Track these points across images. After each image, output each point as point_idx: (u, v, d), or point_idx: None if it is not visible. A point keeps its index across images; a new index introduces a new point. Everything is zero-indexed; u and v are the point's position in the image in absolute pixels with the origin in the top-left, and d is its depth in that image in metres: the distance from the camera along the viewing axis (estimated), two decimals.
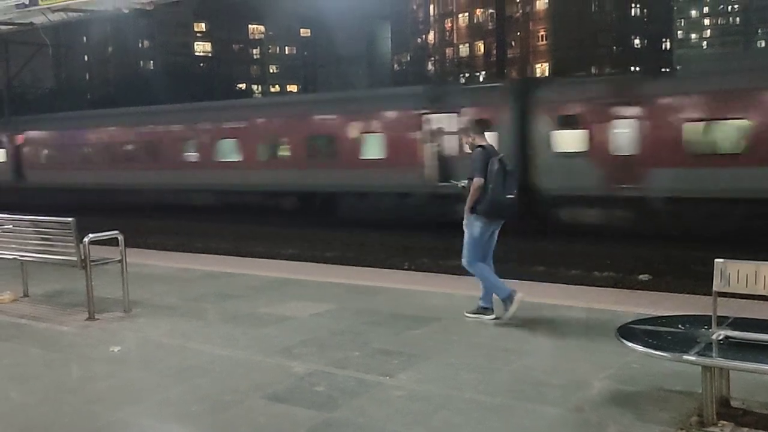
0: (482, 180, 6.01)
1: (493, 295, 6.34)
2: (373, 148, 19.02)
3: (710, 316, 4.16)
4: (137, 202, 24.32)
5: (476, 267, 6.26)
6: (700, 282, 10.47)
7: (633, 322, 4.45)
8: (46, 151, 28.68)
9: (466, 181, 6.20)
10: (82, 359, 5.65)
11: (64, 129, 28.26)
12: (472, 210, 6.13)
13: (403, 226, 18.62)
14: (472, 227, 6.19)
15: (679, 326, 4.25)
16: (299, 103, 25.27)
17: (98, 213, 22.19)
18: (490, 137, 6.71)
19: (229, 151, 22.59)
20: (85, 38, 76.25)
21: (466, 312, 6.45)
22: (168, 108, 28.09)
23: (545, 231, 16.06)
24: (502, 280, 6.39)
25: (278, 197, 21.65)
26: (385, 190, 18.68)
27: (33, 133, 28.88)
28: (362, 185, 19.14)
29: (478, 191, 6.04)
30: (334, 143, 20.08)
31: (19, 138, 28.91)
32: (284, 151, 21.77)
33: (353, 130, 19.70)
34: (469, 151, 6.31)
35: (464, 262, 6.29)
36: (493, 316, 6.32)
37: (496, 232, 6.32)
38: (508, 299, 6.21)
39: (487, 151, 6.14)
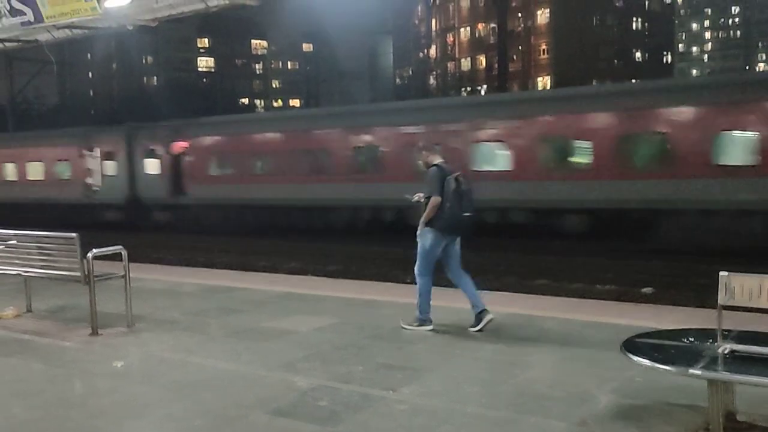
0: (440, 199, 6.28)
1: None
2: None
3: (715, 329, 4.14)
4: (345, 221, 20.22)
5: (422, 279, 6.57)
6: (703, 295, 10.46)
7: (637, 336, 4.43)
8: (217, 161, 23.53)
9: (420, 195, 6.49)
10: (85, 374, 5.64)
11: (241, 133, 23.03)
12: (427, 224, 6.40)
13: (406, 239, 18.61)
14: (424, 239, 6.49)
15: (684, 340, 4.23)
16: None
17: (110, 228, 22.08)
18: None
19: (491, 158, 17.92)
20: (89, 55, 76.91)
21: (402, 323, 6.72)
22: (387, 107, 24.02)
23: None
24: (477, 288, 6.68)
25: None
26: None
27: (198, 140, 24.00)
28: None
29: (435, 209, 6.30)
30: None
31: (179, 146, 24.49)
32: (583, 158, 16.68)
33: None
34: (425, 170, 6.54)
35: (415, 270, 6.64)
36: (430, 328, 6.59)
37: (453, 245, 6.56)
38: (425, 321, 6.59)
39: (443, 170, 6.36)
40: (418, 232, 6.51)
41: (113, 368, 5.75)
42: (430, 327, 6.58)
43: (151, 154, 24.94)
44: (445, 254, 6.53)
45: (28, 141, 29.48)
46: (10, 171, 29.33)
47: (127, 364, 5.85)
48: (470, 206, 6.35)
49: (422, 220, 6.40)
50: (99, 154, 25.98)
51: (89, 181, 26.18)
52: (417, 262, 6.56)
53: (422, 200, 6.43)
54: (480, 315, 6.50)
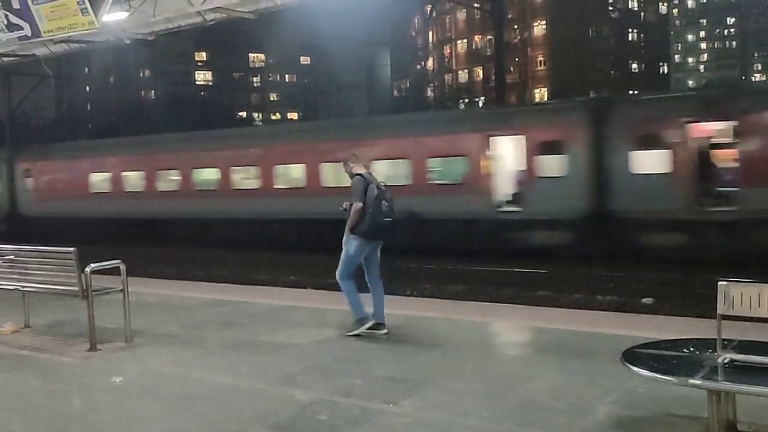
0: (361, 204, 6.66)
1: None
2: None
3: (715, 339, 4.14)
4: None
5: (345, 283, 6.84)
6: (703, 305, 10.47)
7: (638, 347, 4.43)
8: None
9: (347, 204, 6.82)
10: (83, 390, 5.62)
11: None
12: (352, 230, 6.74)
13: (406, 251, 18.64)
14: (349, 245, 6.80)
15: (684, 350, 4.23)
16: None
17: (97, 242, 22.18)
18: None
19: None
20: (86, 68, 77.08)
21: (347, 333, 6.89)
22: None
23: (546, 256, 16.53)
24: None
25: None
26: None
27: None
28: None
29: (357, 215, 6.67)
30: None
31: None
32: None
33: None
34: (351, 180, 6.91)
35: (337, 275, 6.90)
36: (385, 332, 6.81)
37: (376, 251, 6.93)
38: (359, 321, 6.84)
39: (366, 179, 6.78)
40: (344, 240, 6.81)
41: (112, 383, 5.73)
42: (372, 323, 6.83)
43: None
44: (366, 260, 6.89)
45: None
46: None
47: (126, 379, 5.84)
48: (390, 213, 6.73)
49: (347, 227, 6.75)
50: None
51: None
52: (339, 268, 6.85)
53: (348, 208, 6.78)
54: (361, 321, 6.85)
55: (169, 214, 24.46)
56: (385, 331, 6.83)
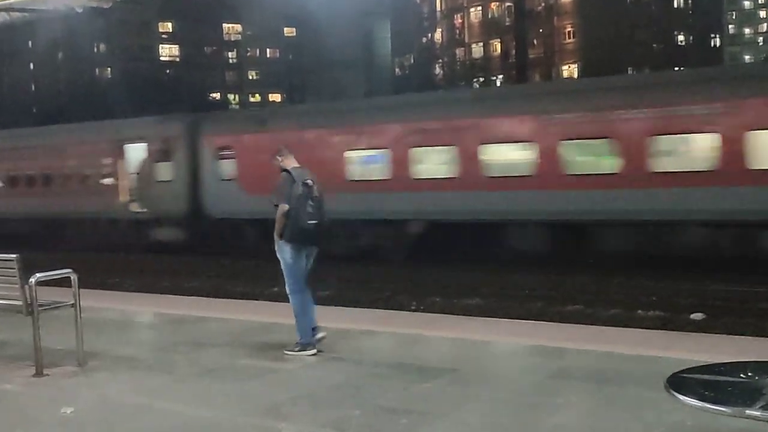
0: (286, 207, 6.86)
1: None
2: None
3: None
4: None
5: (294, 296, 7.09)
6: (763, 322, 10.47)
7: (685, 371, 4.44)
8: None
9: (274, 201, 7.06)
10: (28, 423, 5.63)
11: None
12: (281, 236, 6.96)
13: (411, 258, 18.66)
14: (282, 253, 7.05)
15: (741, 375, 4.24)
16: None
17: (46, 248, 22.27)
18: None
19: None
20: (30, 42, 77.05)
21: (285, 350, 7.19)
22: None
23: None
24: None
25: None
26: None
27: None
28: None
29: (282, 218, 6.89)
30: None
31: None
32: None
33: None
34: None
35: (287, 290, 7.16)
36: (314, 352, 7.07)
37: (310, 258, 7.16)
38: (306, 345, 7.08)
39: (293, 176, 6.95)
40: (276, 248, 7.07)
41: (61, 415, 5.74)
42: (313, 352, 7.06)
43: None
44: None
45: None
46: None
47: (78, 411, 5.84)
48: (318, 214, 6.93)
49: (275, 232, 6.99)
50: None
51: None
52: (285, 280, 7.11)
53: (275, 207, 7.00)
54: (305, 346, 7.10)
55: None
56: (313, 352, 7.07)
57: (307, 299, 7.14)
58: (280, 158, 7.17)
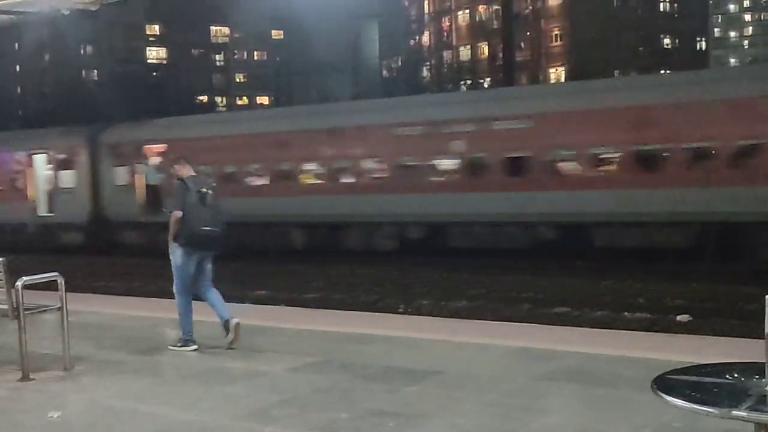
0: (179, 213, 7.27)
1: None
2: None
3: (763, 363, 4.17)
4: None
5: (179, 297, 7.51)
6: (749, 323, 10.53)
7: (672, 372, 4.45)
8: None
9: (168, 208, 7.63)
10: (14, 428, 5.59)
11: None
12: (175, 239, 7.40)
13: (401, 260, 18.70)
14: (174, 256, 7.48)
15: (727, 376, 4.26)
16: None
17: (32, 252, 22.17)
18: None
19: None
20: (16, 44, 76.67)
21: (170, 345, 7.64)
22: None
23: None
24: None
25: None
26: None
27: None
28: None
29: (176, 224, 7.31)
30: None
31: None
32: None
33: None
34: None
35: (173, 289, 7.58)
36: (194, 347, 7.51)
37: (205, 261, 7.59)
38: (188, 341, 7.53)
39: (187, 184, 7.36)
40: (169, 251, 7.50)
41: (48, 419, 5.70)
42: (194, 347, 7.53)
43: None
44: (196, 270, 7.53)
45: None
46: None
47: (65, 415, 5.81)
48: (213, 221, 7.32)
49: (169, 237, 7.42)
50: None
51: None
52: (174, 281, 7.55)
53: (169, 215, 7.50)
54: (186, 342, 7.53)
55: None
56: (194, 348, 7.53)
57: (187, 302, 7.55)
58: (176, 167, 7.58)
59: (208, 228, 7.28)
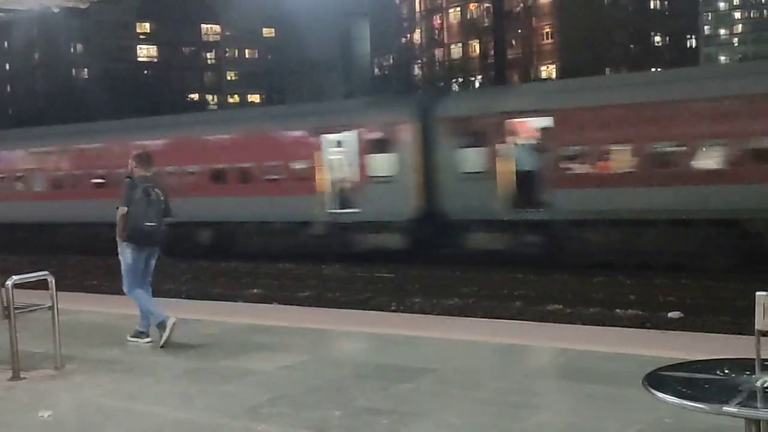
0: (125, 209, 7.60)
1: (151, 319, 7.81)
2: None
3: (753, 359, 4.20)
4: None
5: (134, 293, 7.75)
6: (739, 319, 10.59)
7: (663, 369, 4.47)
8: None
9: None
10: (5, 427, 5.57)
11: None
12: (123, 238, 7.66)
13: (390, 258, 18.70)
14: (124, 254, 7.74)
15: (718, 372, 4.28)
16: None
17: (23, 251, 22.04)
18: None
19: None
20: (5, 43, 76.30)
21: (128, 336, 7.87)
22: None
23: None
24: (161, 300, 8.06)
25: None
26: None
27: None
28: None
29: (122, 220, 7.63)
30: None
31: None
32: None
33: None
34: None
35: (124, 288, 7.85)
36: (149, 340, 7.75)
37: (151, 259, 7.88)
38: (160, 326, 7.64)
39: (134, 182, 7.72)
40: (119, 250, 7.77)
41: (39, 419, 5.68)
42: (149, 340, 7.78)
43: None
44: (144, 269, 7.83)
45: None
46: None
47: (57, 414, 5.79)
48: (156, 217, 7.63)
49: (117, 234, 7.70)
50: None
51: None
52: (123, 279, 7.83)
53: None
54: (162, 324, 7.62)
55: None
56: (149, 339, 7.76)
57: (143, 293, 7.81)
58: (131, 164, 7.90)
59: (152, 224, 7.60)
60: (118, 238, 7.70)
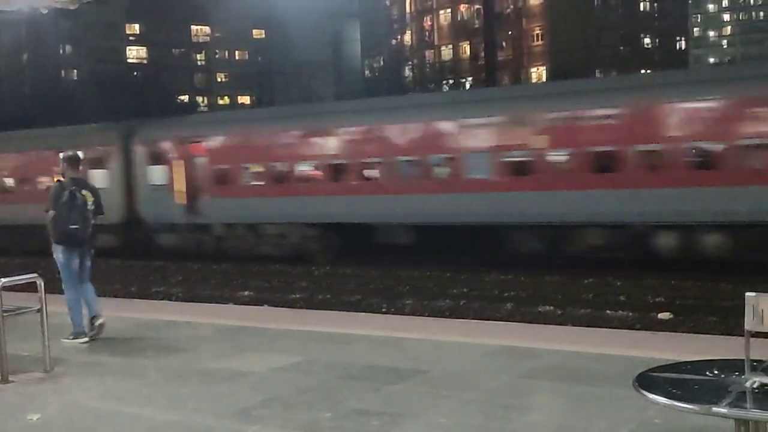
0: (52, 213, 7.94)
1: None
2: None
3: (742, 360, 4.22)
4: None
5: (68, 292, 8.08)
6: (728, 320, 10.65)
7: (653, 369, 4.49)
8: None
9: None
10: None
11: None
12: (54, 240, 8.04)
13: (383, 260, 18.72)
14: (57, 254, 8.11)
15: (707, 373, 4.30)
16: None
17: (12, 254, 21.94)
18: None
19: None
20: None
21: (62, 338, 8.02)
22: None
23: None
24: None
25: None
26: None
27: None
28: None
29: (50, 222, 7.99)
30: None
31: None
32: None
33: None
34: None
35: (63, 286, 8.17)
36: (86, 339, 8.03)
37: (85, 259, 8.24)
38: (79, 333, 8.07)
39: (62, 185, 8.05)
40: (52, 249, 8.11)
41: (28, 422, 5.66)
42: (85, 339, 8.05)
43: None
44: (79, 268, 8.15)
45: None
46: None
47: (46, 417, 5.77)
48: (80, 219, 7.95)
49: (50, 236, 8.05)
50: None
51: None
52: (61, 278, 8.15)
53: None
54: (77, 335, 8.05)
55: None
56: (85, 339, 8.05)
57: (80, 293, 8.13)
58: (62, 168, 8.27)
59: (76, 226, 7.93)
60: (51, 239, 8.08)
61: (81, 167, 8.49)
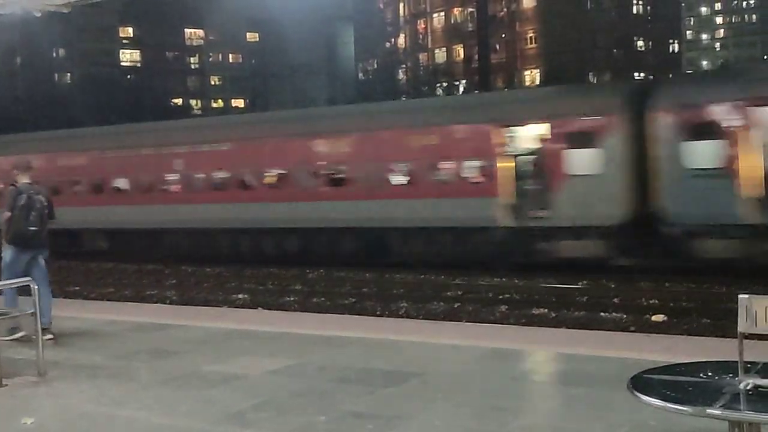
0: (8, 214, 8.22)
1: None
2: None
3: (736, 361, 4.23)
4: None
5: (6, 292, 8.10)
6: (722, 322, 10.67)
7: (647, 372, 4.50)
8: None
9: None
10: None
11: None
12: (7, 240, 8.27)
13: (376, 263, 18.73)
14: (5, 254, 8.33)
15: (701, 375, 4.30)
16: None
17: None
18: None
19: None
20: None
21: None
22: None
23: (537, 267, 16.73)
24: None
25: None
26: None
27: None
28: None
29: (6, 223, 8.27)
30: None
31: None
32: None
33: None
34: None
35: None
36: (50, 336, 8.00)
37: (38, 259, 8.44)
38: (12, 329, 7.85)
39: (19, 189, 8.33)
40: (2, 249, 8.34)
41: (22, 426, 5.64)
42: (49, 336, 7.99)
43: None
44: (29, 267, 8.31)
45: None
46: None
47: (39, 421, 5.74)
48: (37, 222, 8.27)
49: (2, 236, 8.27)
50: None
51: None
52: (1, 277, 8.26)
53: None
54: (13, 330, 7.73)
55: None
56: (50, 336, 8.03)
57: (12, 296, 8.12)
58: (15, 173, 8.51)
59: (33, 228, 8.24)
60: (3, 239, 8.35)
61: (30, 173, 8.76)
